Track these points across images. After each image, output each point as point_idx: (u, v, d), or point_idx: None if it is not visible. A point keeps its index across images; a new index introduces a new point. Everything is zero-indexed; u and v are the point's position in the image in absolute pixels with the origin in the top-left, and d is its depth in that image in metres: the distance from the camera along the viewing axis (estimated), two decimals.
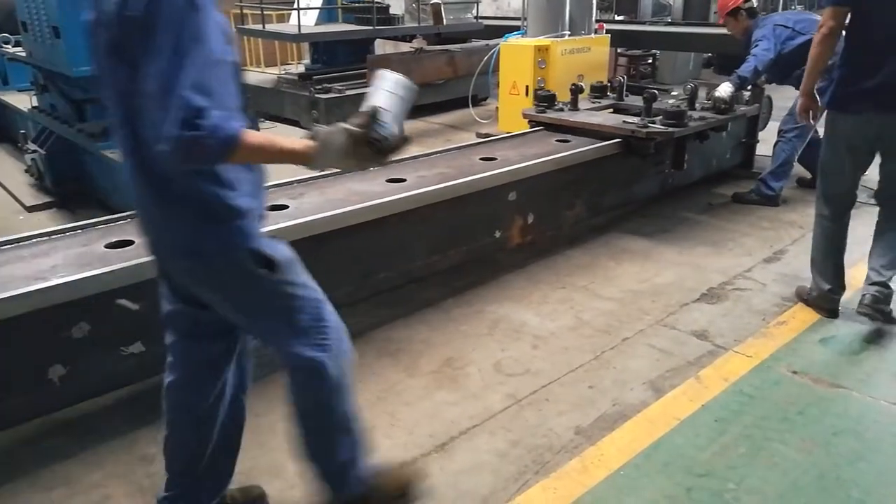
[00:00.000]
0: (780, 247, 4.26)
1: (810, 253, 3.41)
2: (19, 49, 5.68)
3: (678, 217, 4.80)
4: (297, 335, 1.81)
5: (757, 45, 4.70)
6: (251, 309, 1.80)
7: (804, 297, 3.48)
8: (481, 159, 3.86)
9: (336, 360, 1.85)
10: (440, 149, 4.21)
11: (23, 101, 6.20)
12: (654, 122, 4.24)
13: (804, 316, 3.38)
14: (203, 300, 1.82)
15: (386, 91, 1.62)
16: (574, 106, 4.82)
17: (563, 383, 2.85)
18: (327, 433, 1.93)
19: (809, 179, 5.29)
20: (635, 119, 4.36)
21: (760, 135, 5.66)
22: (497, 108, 6.92)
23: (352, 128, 1.60)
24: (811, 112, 3.31)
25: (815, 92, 3.25)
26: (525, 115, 4.89)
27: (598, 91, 5.28)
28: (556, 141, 4.37)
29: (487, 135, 5.49)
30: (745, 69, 4.68)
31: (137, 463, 2.41)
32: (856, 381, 2.84)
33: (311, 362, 1.81)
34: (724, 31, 7.18)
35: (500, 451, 2.43)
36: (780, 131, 4.96)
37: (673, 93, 4.98)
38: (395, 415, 2.63)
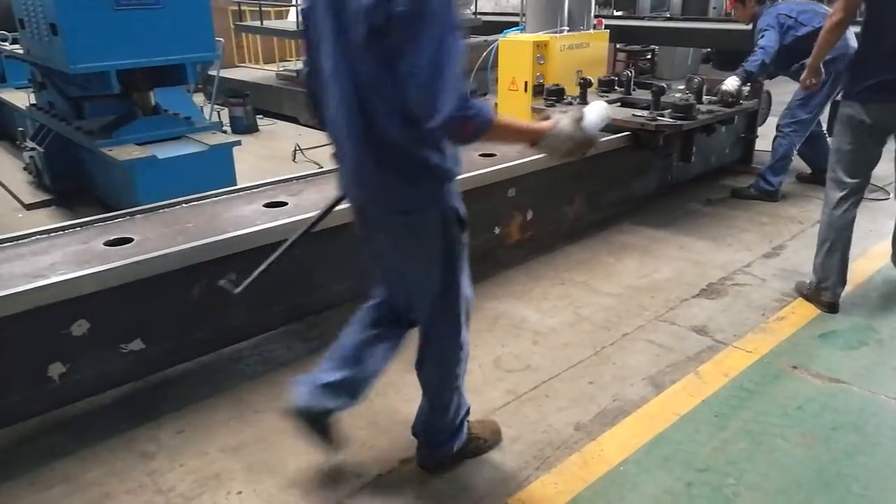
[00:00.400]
0: (779, 242, 4.26)
1: (815, 246, 3.39)
2: (17, 46, 5.66)
3: (677, 212, 4.80)
4: (459, 292, 2.06)
5: (762, 37, 4.65)
6: (437, 260, 1.99)
7: (804, 292, 3.48)
8: (480, 155, 3.85)
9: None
10: None
11: (21, 99, 6.19)
12: (662, 116, 4.25)
13: (804, 311, 3.38)
14: (390, 259, 2.06)
15: (591, 107, 2.05)
16: (583, 100, 4.82)
17: (562, 379, 2.85)
18: (450, 393, 2.21)
19: (809, 174, 5.30)
20: (644, 112, 4.37)
21: (759, 130, 5.65)
22: (496, 103, 6.91)
23: (575, 117, 1.93)
24: (814, 83, 3.57)
25: (820, 67, 3.49)
26: (535, 110, 4.87)
27: (606, 85, 5.27)
28: None
29: None
30: (752, 63, 4.63)
31: (137, 460, 2.40)
32: (855, 375, 2.84)
33: (458, 326, 2.12)
34: (722, 26, 7.22)
35: (500, 447, 2.43)
36: (778, 126, 4.96)
37: (679, 87, 4.96)
38: (395, 411, 2.62)
